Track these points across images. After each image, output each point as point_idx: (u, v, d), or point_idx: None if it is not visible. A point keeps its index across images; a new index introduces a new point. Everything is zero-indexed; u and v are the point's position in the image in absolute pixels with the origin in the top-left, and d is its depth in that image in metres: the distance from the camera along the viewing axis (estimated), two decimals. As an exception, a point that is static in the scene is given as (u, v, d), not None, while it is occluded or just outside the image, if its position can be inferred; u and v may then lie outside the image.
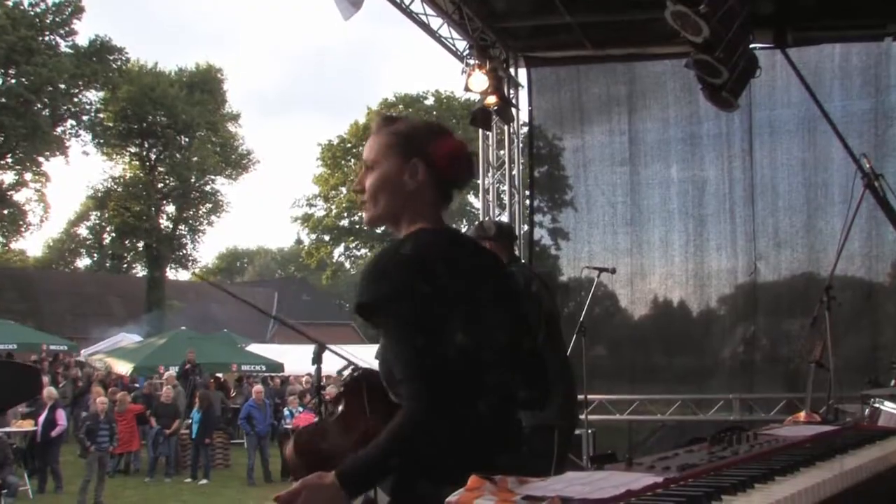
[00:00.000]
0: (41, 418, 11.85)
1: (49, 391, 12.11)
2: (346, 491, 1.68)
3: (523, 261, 7.49)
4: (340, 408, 2.06)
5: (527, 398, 2.04)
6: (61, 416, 12.04)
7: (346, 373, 2.19)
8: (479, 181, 9.35)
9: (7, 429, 11.87)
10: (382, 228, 2.16)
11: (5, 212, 34.76)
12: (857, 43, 7.84)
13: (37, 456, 11.90)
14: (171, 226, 41.37)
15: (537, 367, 2.09)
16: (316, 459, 1.89)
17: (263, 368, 20.35)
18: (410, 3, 8.13)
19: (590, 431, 7.31)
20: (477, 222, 7.78)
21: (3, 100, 31.52)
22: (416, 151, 1.92)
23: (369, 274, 1.80)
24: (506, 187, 9.32)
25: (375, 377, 1.93)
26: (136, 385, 16.60)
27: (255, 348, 23.22)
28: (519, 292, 2.12)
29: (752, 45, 6.85)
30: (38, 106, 33.02)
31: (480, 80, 8.19)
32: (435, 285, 1.75)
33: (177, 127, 38.74)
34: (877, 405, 4.50)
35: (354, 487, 1.71)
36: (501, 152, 9.32)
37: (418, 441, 1.70)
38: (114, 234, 42.06)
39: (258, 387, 14.78)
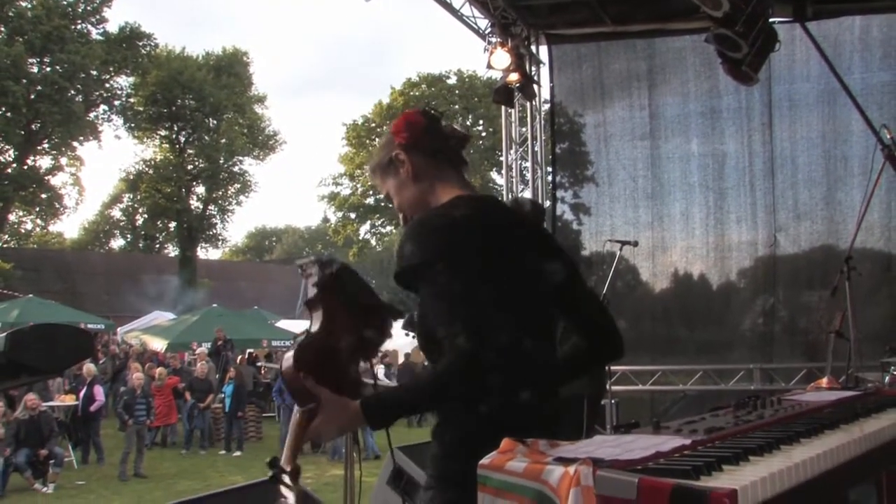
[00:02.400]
0: (81, 393, 12.28)
1: (88, 368, 12.49)
2: (368, 421, 1.75)
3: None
4: (319, 315, 1.98)
5: (592, 346, 2.08)
6: (99, 391, 12.44)
7: (309, 266, 2.06)
8: (503, 158, 9.47)
9: (51, 403, 12.30)
10: None
11: (43, 196, 35.45)
12: (877, 15, 7.78)
13: (79, 429, 12.33)
14: (201, 206, 41.86)
15: (592, 310, 2.11)
16: (317, 378, 1.86)
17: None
18: (432, -17, 8.22)
19: (613, 402, 7.44)
20: (513, 197, 7.94)
21: (40, 87, 32.07)
22: (389, 150, 2.03)
23: (411, 238, 1.82)
24: (528, 163, 9.43)
25: (347, 269, 1.99)
26: (178, 363, 16.99)
27: (284, 324, 23.52)
28: (560, 247, 2.12)
29: (771, 19, 6.86)
30: (72, 92, 33.54)
31: (502, 58, 8.28)
32: (477, 244, 1.81)
33: (205, 110, 39.12)
34: (896, 372, 4.60)
35: (376, 420, 1.77)
36: (524, 129, 9.43)
37: (452, 394, 1.74)
38: (146, 216, 42.71)
39: (289, 362, 15.03)
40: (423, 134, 2.00)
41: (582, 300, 2.09)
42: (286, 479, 1.88)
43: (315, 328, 1.95)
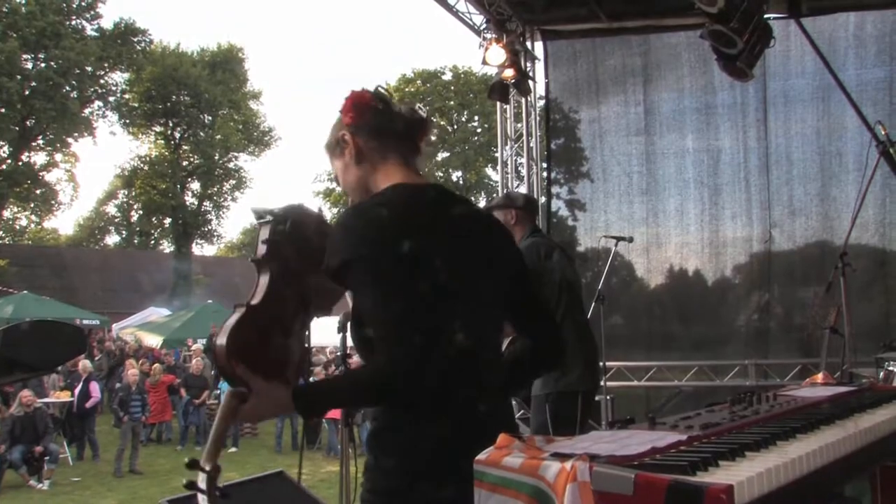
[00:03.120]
0: (76, 390, 12.27)
1: (84, 364, 12.49)
2: (298, 411, 1.71)
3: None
4: (265, 279, 1.87)
5: (539, 351, 2.01)
6: (95, 388, 12.44)
7: (263, 215, 1.94)
8: (498, 154, 9.47)
9: (46, 399, 12.29)
10: None
11: (38, 192, 35.34)
12: (871, 11, 7.80)
13: (74, 425, 12.32)
14: (196, 202, 41.79)
15: (537, 316, 2.02)
16: (248, 357, 1.78)
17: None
18: (427, -21, 8.21)
19: (609, 398, 7.47)
20: (505, 192, 7.94)
21: (34, 83, 31.95)
22: (338, 130, 1.95)
23: (338, 234, 1.76)
24: (523, 159, 9.43)
25: (300, 213, 1.90)
26: (172, 359, 16.98)
27: (280, 321, 23.49)
28: (503, 241, 2.00)
29: (766, 16, 6.87)
30: (67, 88, 33.39)
31: (497, 54, 8.28)
32: (403, 241, 1.71)
33: (200, 106, 39.06)
34: (891, 368, 4.61)
35: (306, 411, 1.74)
36: (519, 125, 9.43)
37: (382, 399, 1.72)
38: (141, 212, 42.63)
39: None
40: (369, 115, 1.91)
41: (525, 302, 1.98)
42: (201, 484, 1.74)
43: (255, 298, 1.85)
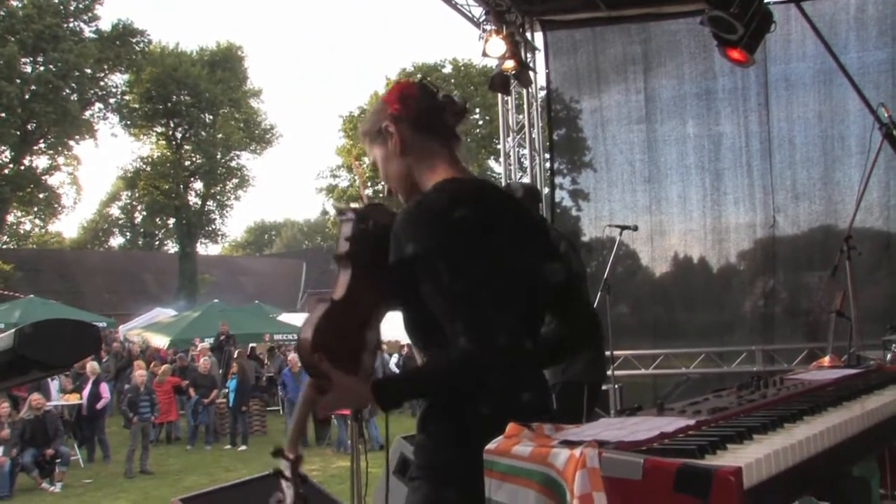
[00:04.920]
0: (85, 392, 12.31)
1: (92, 366, 12.52)
2: (378, 403, 1.76)
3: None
4: (346, 275, 1.90)
5: (568, 336, 2.04)
6: (105, 389, 12.49)
7: (346, 212, 1.97)
8: (500, 146, 9.47)
9: (55, 402, 12.34)
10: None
11: (41, 196, 35.40)
12: (872, -7, 7.80)
13: (84, 427, 12.37)
14: (199, 202, 41.83)
15: (574, 301, 2.05)
16: (329, 349, 1.83)
17: (295, 337, 20.72)
18: (425, -27, 8.21)
19: (616, 387, 7.48)
20: (506, 183, 7.97)
21: (34, 87, 31.97)
22: (380, 119, 1.94)
23: (407, 228, 1.76)
24: (526, 150, 9.44)
25: (380, 211, 1.90)
26: (175, 358, 17.02)
27: (286, 318, 23.56)
28: (547, 230, 2.05)
29: (766, 0, 6.85)
30: (67, 91, 33.41)
31: (497, 46, 8.27)
32: (469, 231, 1.74)
33: (201, 105, 39.05)
34: (899, 349, 4.62)
35: (386, 403, 1.77)
36: (520, 116, 9.43)
37: (465, 383, 1.72)
38: (145, 213, 42.75)
39: (293, 355, 15.12)
40: (415, 107, 1.91)
41: (569, 288, 2.02)
42: (287, 472, 1.86)
43: (338, 293, 1.89)
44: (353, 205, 2.02)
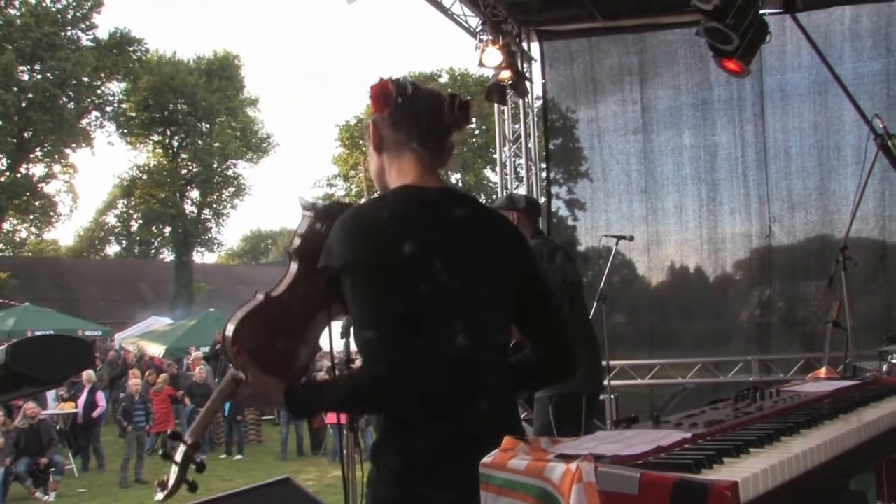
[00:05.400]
0: (81, 400, 12.26)
1: (88, 374, 12.47)
2: (287, 409, 1.77)
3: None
4: (291, 273, 1.87)
5: (545, 361, 1.96)
6: (101, 397, 12.45)
7: (307, 207, 1.93)
8: (496, 155, 9.49)
9: (50, 411, 12.29)
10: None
11: (37, 203, 35.36)
12: (866, 4, 7.82)
13: (79, 436, 12.31)
14: (195, 210, 41.81)
15: (546, 324, 1.96)
16: (253, 345, 1.80)
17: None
18: (422, -18, 8.23)
19: (613, 397, 7.47)
20: (507, 193, 7.98)
21: (31, 95, 31.98)
22: (370, 115, 1.93)
23: (335, 237, 1.74)
24: (522, 160, 9.45)
25: (342, 212, 1.82)
26: (175, 368, 16.96)
27: (282, 327, 23.46)
28: (509, 243, 1.93)
29: (761, 11, 6.88)
30: (64, 99, 33.42)
31: (494, 56, 8.30)
32: (402, 244, 1.69)
33: (197, 114, 39.07)
34: (895, 361, 4.62)
35: (296, 411, 1.78)
36: (517, 126, 9.44)
37: (376, 405, 1.75)
38: (141, 221, 42.66)
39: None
40: (390, 107, 1.87)
41: (533, 308, 1.92)
42: (177, 456, 1.79)
43: (277, 290, 1.86)
44: (316, 200, 1.98)
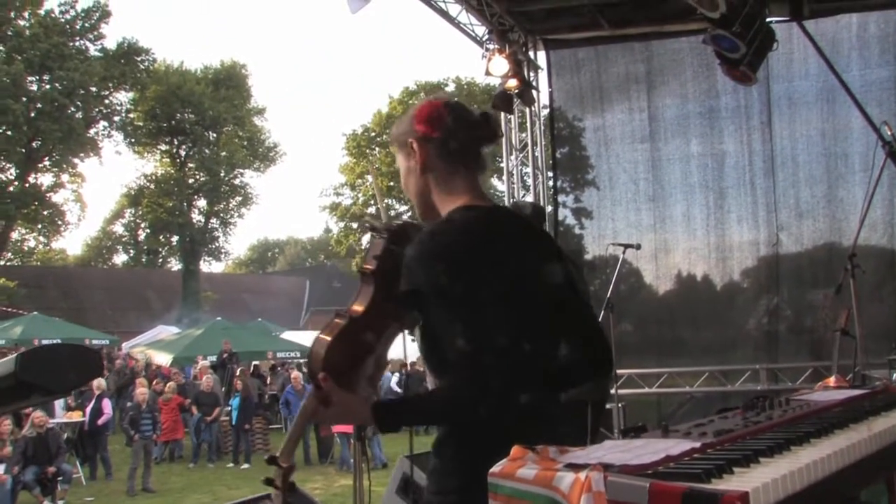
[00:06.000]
0: (89, 407, 12.29)
1: (98, 382, 12.52)
2: (376, 425, 1.81)
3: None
4: (368, 292, 1.92)
5: (590, 359, 2.01)
6: (107, 405, 12.47)
7: (378, 228, 2.02)
8: (503, 164, 9.50)
9: (57, 420, 12.31)
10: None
11: (45, 213, 35.51)
12: (874, 12, 7.81)
13: (87, 445, 12.33)
14: (203, 220, 41.93)
15: (590, 328, 2.03)
16: (337, 365, 1.87)
17: (298, 355, 20.70)
18: (429, -8, 8.26)
19: (620, 405, 7.45)
20: (513, 201, 7.99)
21: (39, 105, 32.18)
22: (407, 134, 1.95)
23: (416, 260, 1.78)
24: (529, 169, 9.45)
25: (412, 231, 1.90)
26: (184, 378, 17.00)
27: (289, 335, 23.54)
28: (557, 253, 2.04)
29: (768, 19, 6.88)
30: (72, 109, 33.61)
31: (500, 65, 8.30)
32: (480, 268, 1.75)
33: (204, 123, 39.23)
34: (905, 369, 4.59)
35: (385, 426, 1.82)
36: (523, 135, 9.45)
37: (459, 420, 1.79)
38: (148, 230, 42.79)
39: (296, 373, 15.12)
40: (440, 131, 1.91)
41: (577, 314, 2.00)
42: (278, 481, 1.90)
43: (358, 309, 1.92)
44: (387, 222, 2.06)
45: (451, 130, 1.91)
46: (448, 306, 1.73)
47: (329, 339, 1.87)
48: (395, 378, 16.93)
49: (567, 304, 1.95)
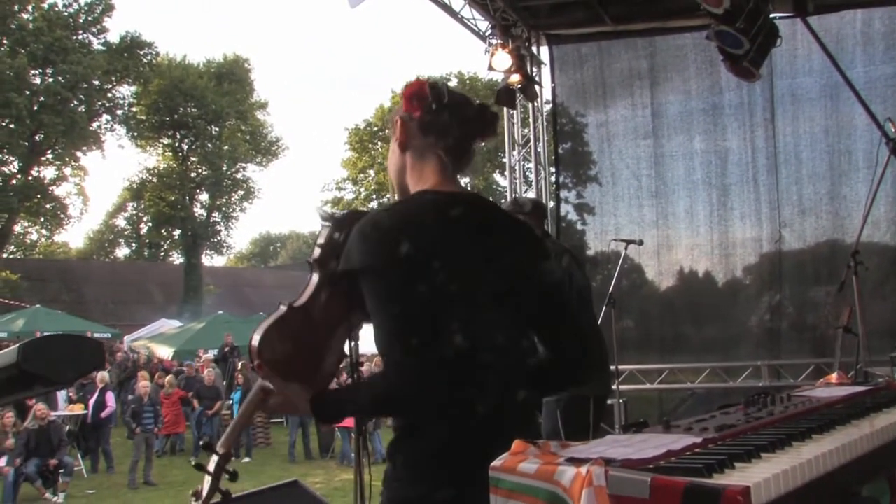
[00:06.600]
0: (91, 401, 12.32)
1: (101, 375, 12.55)
2: (314, 416, 1.83)
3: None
4: (313, 282, 1.89)
5: (560, 363, 1.91)
6: (110, 398, 12.51)
7: (325, 217, 1.95)
8: (505, 159, 9.50)
9: (59, 413, 12.34)
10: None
11: (48, 206, 35.58)
12: (879, 8, 7.78)
13: (89, 437, 12.36)
14: (205, 213, 41.98)
15: (559, 329, 1.92)
16: (278, 355, 1.83)
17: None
18: (432, -14, 8.25)
19: (621, 401, 7.45)
20: (513, 197, 7.98)
21: (42, 98, 32.21)
22: (396, 112, 1.93)
23: (352, 242, 1.77)
24: (531, 164, 9.45)
25: (355, 220, 1.83)
26: (183, 369, 17.04)
27: (291, 330, 23.50)
28: (516, 243, 1.91)
29: (772, 15, 6.86)
30: (75, 103, 33.66)
31: (503, 60, 8.29)
32: (402, 245, 1.70)
33: (207, 117, 39.26)
34: (907, 366, 4.59)
35: (324, 416, 1.85)
36: (526, 130, 9.44)
37: (390, 410, 1.79)
38: (150, 224, 42.88)
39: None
40: (422, 110, 1.87)
41: (545, 311, 1.89)
42: (210, 466, 1.85)
43: (300, 300, 1.88)
44: (334, 210, 2.00)
45: (434, 111, 1.87)
46: (371, 291, 1.71)
47: (266, 326, 1.84)
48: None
49: (527, 300, 1.85)
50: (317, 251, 1.93)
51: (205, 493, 1.84)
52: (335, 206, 41.14)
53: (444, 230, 1.79)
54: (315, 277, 1.90)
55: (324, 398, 1.83)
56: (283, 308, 1.87)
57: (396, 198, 1.97)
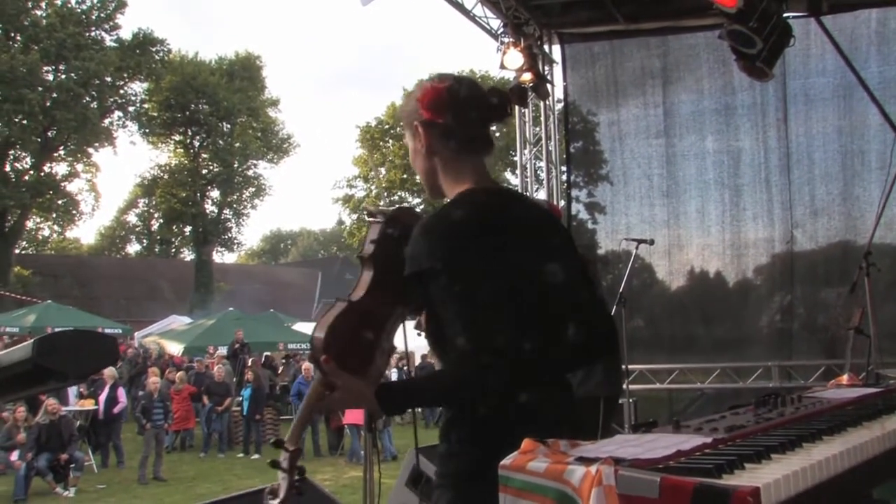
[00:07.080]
0: (102, 397, 12.39)
1: (111, 371, 12.61)
2: (381, 407, 1.80)
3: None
4: (367, 277, 1.92)
5: (591, 345, 1.98)
6: (122, 393, 12.59)
7: (376, 215, 2.00)
8: (517, 158, 9.48)
9: (70, 408, 12.41)
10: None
11: (60, 202, 35.78)
12: (894, 7, 7.72)
13: (100, 432, 12.43)
14: (216, 210, 42.11)
15: (596, 309, 2.02)
16: (340, 349, 1.86)
17: (309, 346, 20.68)
18: (444, -16, 8.24)
19: (631, 401, 7.42)
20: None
21: (55, 94, 32.35)
22: (413, 116, 1.95)
23: (417, 242, 1.78)
24: (542, 163, 9.43)
25: (409, 217, 1.92)
26: (193, 365, 17.11)
27: (301, 327, 23.56)
28: (567, 236, 2.04)
29: (785, 14, 6.82)
30: (87, 99, 33.79)
31: (515, 58, 8.29)
32: (478, 248, 1.75)
33: (219, 114, 39.36)
34: (919, 369, 4.55)
35: (390, 408, 1.84)
36: (537, 129, 9.43)
37: (466, 401, 1.78)
38: (161, 220, 43.07)
39: (307, 364, 15.15)
40: (444, 116, 1.90)
41: (583, 299, 1.97)
42: (284, 463, 1.89)
43: (357, 294, 1.92)
44: (384, 207, 2.04)
45: (456, 115, 1.90)
46: (443, 288, 1.73)
47: (329, 321, 1.88)
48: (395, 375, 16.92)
49: (571, 289, 1.92)
50: (369, 247, 1.97)
51: (282, 493, 1.88)
52: (346, 203, 41.22)
53: (512, 225, 1.85)
54: (369, 273, 1.94)
55: (390, 389, 1.87)
56: (342, 304, 1.91)
57: (429, 195, 2.04)
